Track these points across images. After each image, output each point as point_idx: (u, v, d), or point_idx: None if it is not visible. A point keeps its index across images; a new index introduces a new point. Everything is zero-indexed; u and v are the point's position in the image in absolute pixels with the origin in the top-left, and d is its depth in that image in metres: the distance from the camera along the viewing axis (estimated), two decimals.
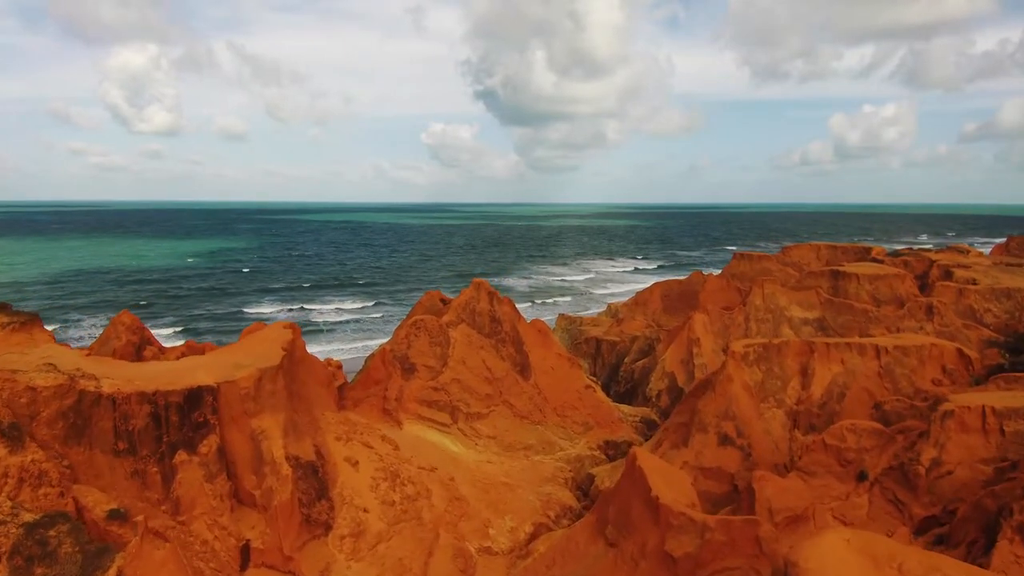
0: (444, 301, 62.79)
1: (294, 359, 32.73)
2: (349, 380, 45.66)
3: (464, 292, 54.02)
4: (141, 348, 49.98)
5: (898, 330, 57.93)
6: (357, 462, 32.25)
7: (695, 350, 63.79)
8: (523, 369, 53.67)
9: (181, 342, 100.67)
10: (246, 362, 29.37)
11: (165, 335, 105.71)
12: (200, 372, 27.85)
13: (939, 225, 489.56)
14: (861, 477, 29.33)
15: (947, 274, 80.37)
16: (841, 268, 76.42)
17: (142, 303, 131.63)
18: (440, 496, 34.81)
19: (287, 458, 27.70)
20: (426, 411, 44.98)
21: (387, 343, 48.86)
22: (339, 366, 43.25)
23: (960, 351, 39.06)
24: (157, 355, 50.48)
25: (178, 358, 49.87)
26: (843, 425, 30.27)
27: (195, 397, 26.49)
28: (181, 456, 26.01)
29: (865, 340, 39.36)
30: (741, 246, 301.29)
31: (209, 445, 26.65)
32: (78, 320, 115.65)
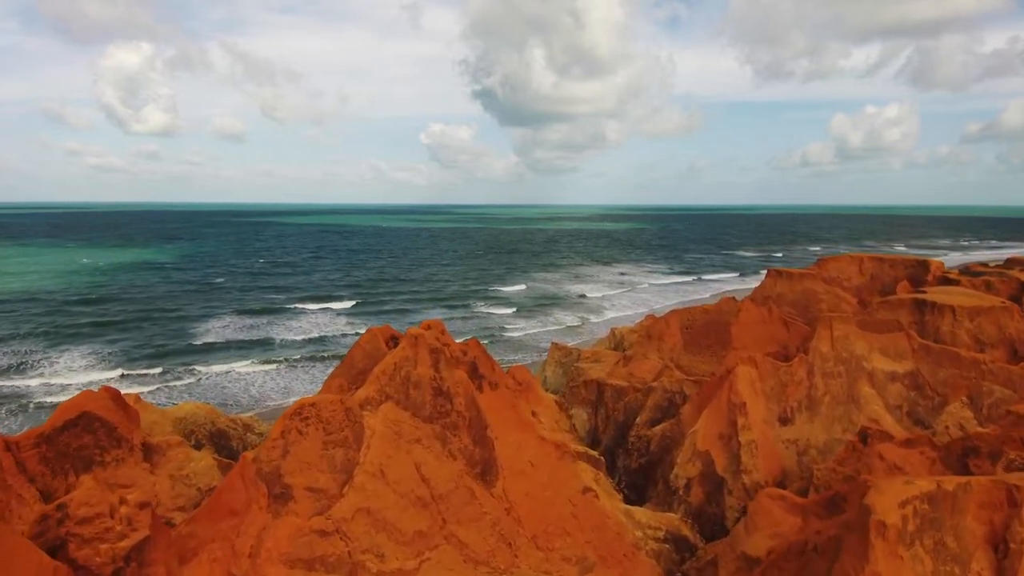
0: (397, 341, 44.13)
1: None
2: None
3: (394, 352, 34.94)
4: None
5: None
6: None
7: (740, 420, 44.49)
8: (485, 470, 34.53)
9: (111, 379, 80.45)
10: None
11: (91, 381, 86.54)
12: None
13: (966, 228, 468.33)
14: None
15: None
16: (926, 296, 57.23)
17: (83, 328, 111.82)
18: None
19: None
20: None
21: (255, 448, 30.10)
22: (145, 505, 24.74)
23: None
24: None
25: None
26: None
27: None
28: None
29: None
30: (756, 251, 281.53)
31: None
32: (30, 354, 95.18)
